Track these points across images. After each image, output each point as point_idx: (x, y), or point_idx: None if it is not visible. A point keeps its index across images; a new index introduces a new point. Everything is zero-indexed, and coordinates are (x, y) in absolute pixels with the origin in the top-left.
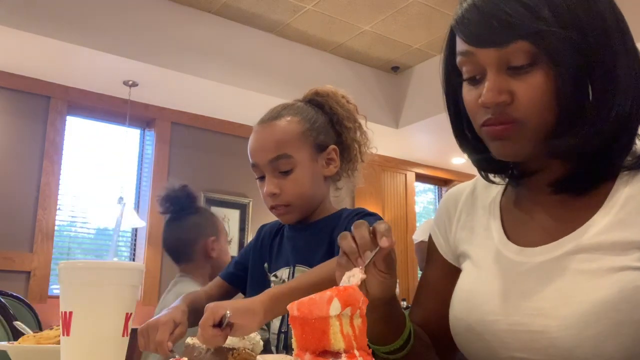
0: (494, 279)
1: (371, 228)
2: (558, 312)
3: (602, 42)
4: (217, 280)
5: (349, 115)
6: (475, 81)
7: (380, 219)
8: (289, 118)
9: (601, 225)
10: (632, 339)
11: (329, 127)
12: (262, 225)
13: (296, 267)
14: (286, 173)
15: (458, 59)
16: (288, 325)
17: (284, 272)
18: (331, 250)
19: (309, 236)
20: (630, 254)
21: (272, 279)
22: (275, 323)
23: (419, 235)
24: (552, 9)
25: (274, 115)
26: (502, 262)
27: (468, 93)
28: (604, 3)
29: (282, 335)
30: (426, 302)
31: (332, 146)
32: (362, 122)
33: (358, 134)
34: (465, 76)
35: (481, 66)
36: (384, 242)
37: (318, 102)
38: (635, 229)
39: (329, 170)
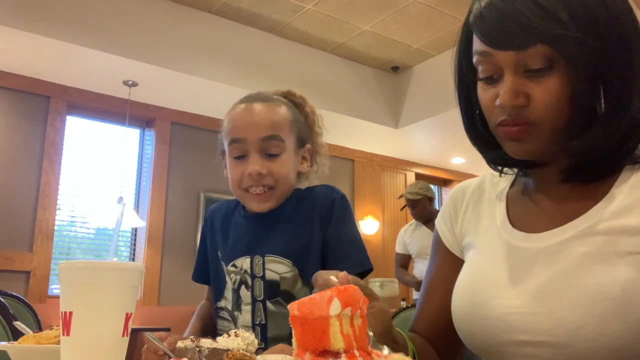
0: (499, 264)
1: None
2: (564, 293)
3: (620, 45)
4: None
5: (317, 122)
6: (492, 80)
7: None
8: (279, 104)
9: (607, 211)
10: (638, 318)
11: (307, 128)
12: (209, 209)
13: (266, 257)
14: (273, 156)
15: (475, 58)
16: (266, 318)
17: (244, 262)
18: (309, 239)
19: (276, 223)
20: (637, 239)
21: (231, 269)
22: (246, 316)
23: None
24: (571, 12)
25: (265, 98)
26: (506, 248)
27: (484, 92)
28: (621, 5)
29: (258, 328)
30: (433, 299)
31: (308, 145)
32: (322, 124)
33: (319, 141)
34: (481, 75)
35: (498, 67)
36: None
37: (295, 102)
38: None
39: (303, 168)
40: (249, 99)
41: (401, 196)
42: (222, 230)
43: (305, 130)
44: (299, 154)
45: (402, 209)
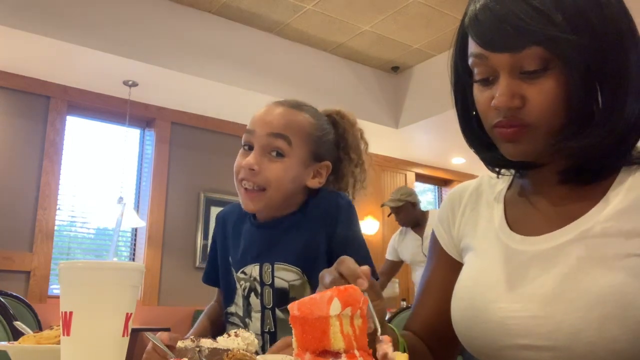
0: (498, 267)
1: (338, 272)
2: (563, 296)
3: (614, 46)
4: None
5: (357, 148)
6: (488, 82)
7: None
8: (306, 115)
9: (604, 213)
10: (637, 321)
11: (333, 147)
12: (219, 213)
13: (275, 265)
14: (276, 157)
15: (470, 60)
16: (276, 326)
17: (253, 270)
18: (313, 246)
19: (285, 231)
20: (635, 241)
21: (241, 275)
22: (256, 324)
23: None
24: (565, 14)
25: (295, 104)
26: (505, 251)
27: (480, 94)
28: (616, 6)
29: (267, 336)
30: (428, 301)
31: (326, 162)
32: (367, 162)
33: (358, 170)
34: (477, 77)
35: (494, 69)
36: (361, 284)
37: (334, 120)
38: (639, 217)
39: (312, 182)
40: (278, 102)
41: (383, 205)
42: (233, 235)
43: (330, 148)
44: (311, 168)
45: (388, 216)
